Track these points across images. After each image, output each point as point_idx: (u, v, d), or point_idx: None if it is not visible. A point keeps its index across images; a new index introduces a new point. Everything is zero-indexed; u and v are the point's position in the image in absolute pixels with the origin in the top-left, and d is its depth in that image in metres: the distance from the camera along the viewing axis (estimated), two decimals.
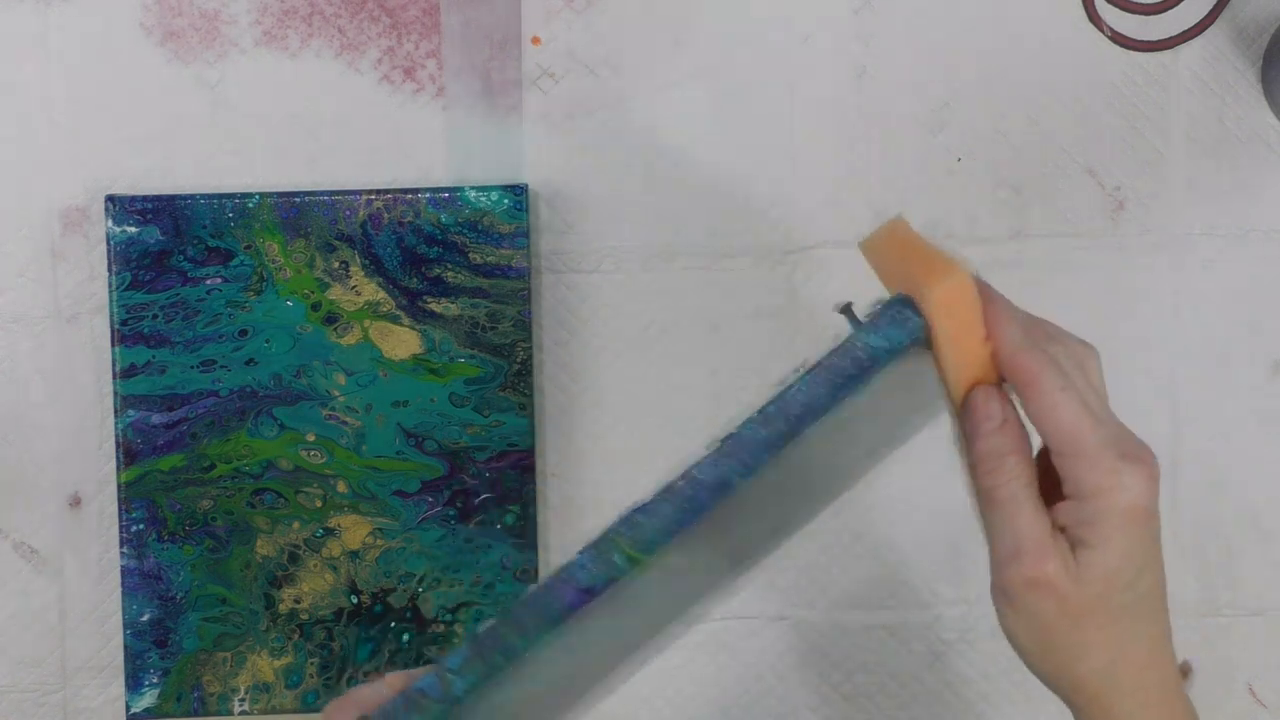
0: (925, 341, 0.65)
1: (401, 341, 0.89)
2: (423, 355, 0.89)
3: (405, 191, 0.88)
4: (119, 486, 0.88)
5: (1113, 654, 0.65)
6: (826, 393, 0.65)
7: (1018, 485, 0.64)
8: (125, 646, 0.89)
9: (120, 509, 0.88)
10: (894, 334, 0.65)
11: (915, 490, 0.90)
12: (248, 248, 0.88)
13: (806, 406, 0.65)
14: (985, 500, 0.65)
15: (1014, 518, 0.64)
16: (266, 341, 0.88)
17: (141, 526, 0.88)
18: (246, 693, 0.89)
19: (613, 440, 0.91)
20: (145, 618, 0.89)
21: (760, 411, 0.65)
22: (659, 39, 0.90)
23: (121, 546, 0.88)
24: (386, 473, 0.89)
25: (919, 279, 0.64)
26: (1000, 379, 0.65)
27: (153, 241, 0.88)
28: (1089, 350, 0.66)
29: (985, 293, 0.65)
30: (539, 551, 0.89)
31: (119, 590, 0.90)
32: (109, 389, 0.89)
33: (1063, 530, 0.64)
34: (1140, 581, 0.64)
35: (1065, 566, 0.63)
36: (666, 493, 0.65)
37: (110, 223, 0.88)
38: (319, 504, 0.89)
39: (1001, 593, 0.66)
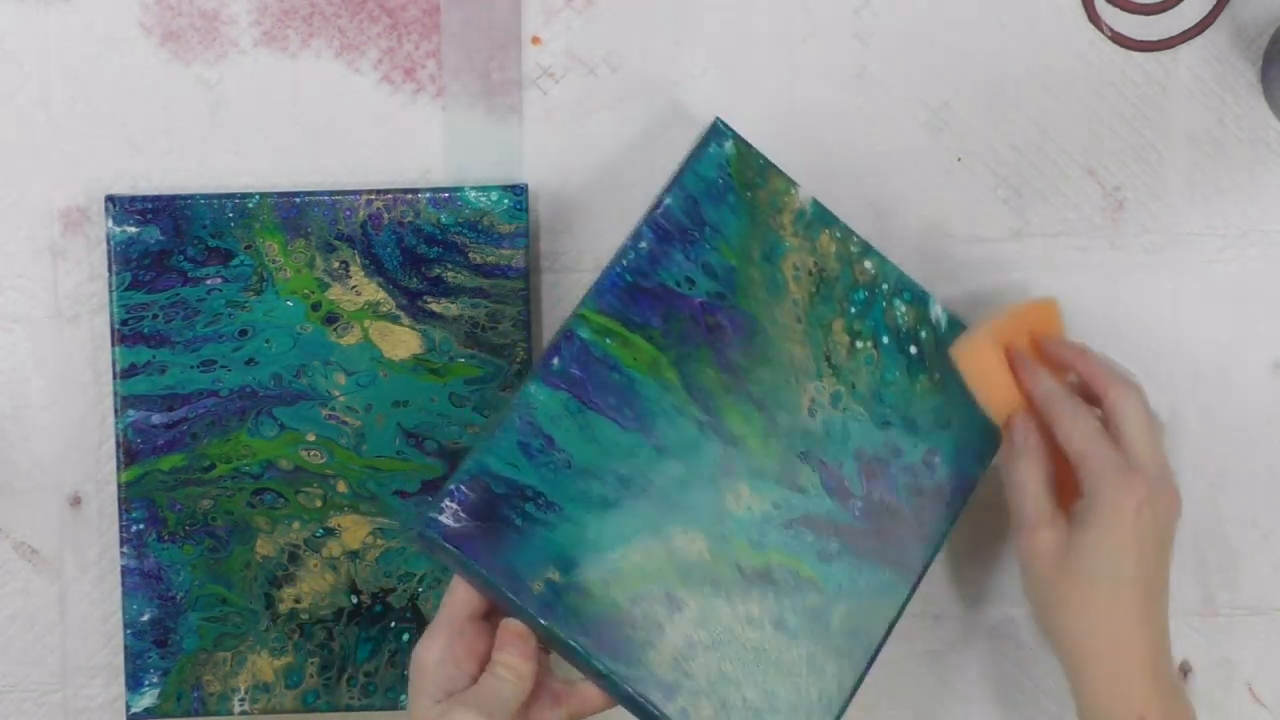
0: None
1: (401, 341, 0.89)
2: (423, 355, 0.89)
3: (405, 191, 0.88)
4: (119, 486, 0.88)
5: (1093, 618, 0.80)
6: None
7: (1030, 476, 0.82)
8: (125, 646, 0.89)
9: (120, 509, 0.88)
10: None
11: None
12: (248, 248, 0.88)
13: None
14: (1008, 487, 0.83)
15: (1023, 500, 0.82)
16: (266, 341, 0.88)
17: (141, 526, 0.88)
18: (246, 693, 0.89)
19: None
20: (145, 618, 0.89)
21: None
22: (659, 39, 0.90)
23: (121, 546, 0.88)
24: (386, 473, 0.89)
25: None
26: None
27: (153, 241, 0.88)
28: (1131, 389, 0.83)
29: (1017, 356, 0.84)
30: None
31: (119, 590, 0.90)
32: (109, 389, 0.89)
33: (1070, 513, 0.82)
34: (1119, 562, 0.80)
35: (1056, 537, 0.81)
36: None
37: (110, 223, 0.88)
38: (319, 504, 0.89)
39: (1018, 556, 0.83)
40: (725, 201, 0.84)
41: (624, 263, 0.82)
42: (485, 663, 0.78)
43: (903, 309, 0.86)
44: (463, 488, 0.78)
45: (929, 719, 0.93)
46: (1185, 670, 0.92)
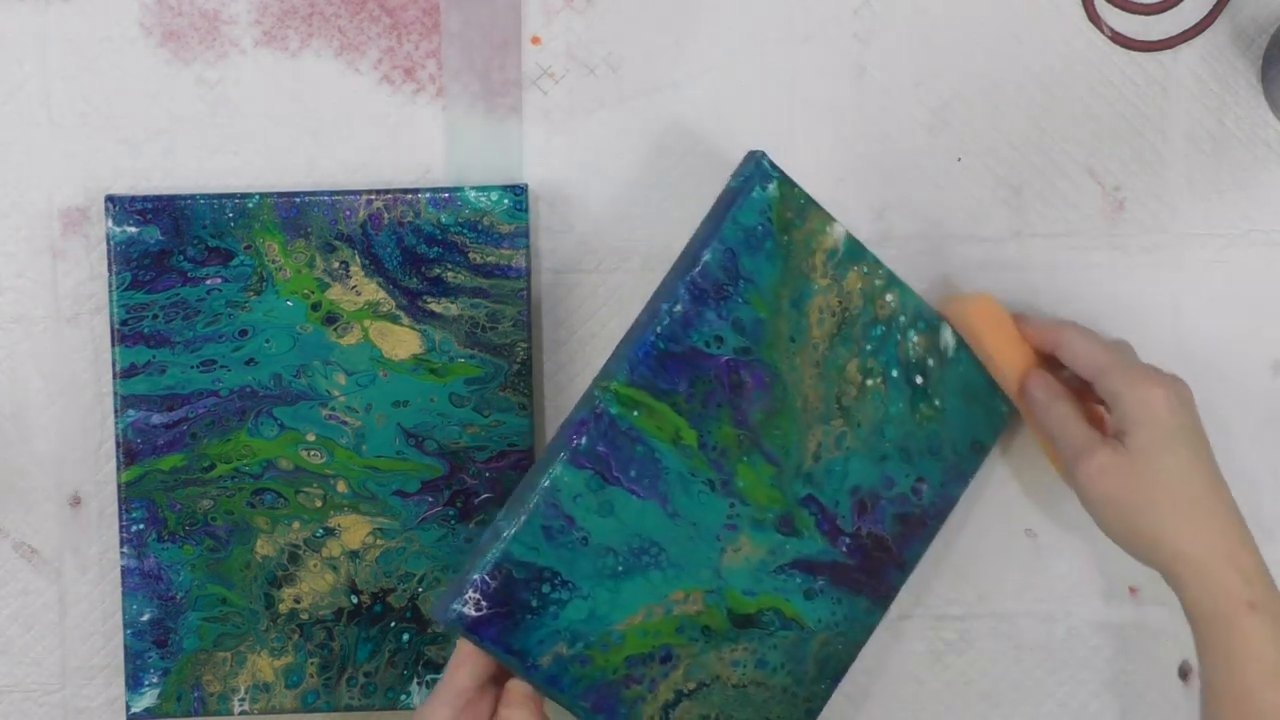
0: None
1: (401, 341, 0.89)
2: (423, 355, 0.89)
3: (405, 191, 0.88)
4: (119, 486, 0.88)
5: (1174, 517, 0.81)
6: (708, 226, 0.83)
7: (1063, 414, 0.85)
8: (125, 646, 0.89)
9: (120, 509, 0.88)
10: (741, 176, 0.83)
11: None
12: (248, 248, 0.88)
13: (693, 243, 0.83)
14: (1050, 434, 0.85)
15: (1066, 435, 0.84)
16: (266, 341, 0.88)
17: (141, 526, 0.88)
18: (246, 693, 0.89)
19: None
20: (145, 618, 0.89)
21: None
22: (659, 39, 0.90)
23: (121, 546, 0.88)
24: (386, 473, 0.89)
25: (954, 311, 0.88)
26: (1043, 366, 0.87)
27: (153, 241, 0.88)
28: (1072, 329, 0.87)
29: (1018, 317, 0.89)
30: None
31: (119, 590, 0.90)
32: (109, 389, 0.89)
33: (1110, 436, 0.84)
34: (1176, 454, 0.82)
35: (1113, 454, 0.82)
36: (621, 344, 0.83)
37: (110, 223, 0.88)
38: (319, 504, 0.89)
39: (1081, 490, 0.83)
40: (762, 250, 0.83)
41: (658, 329, 0.81)
42: None
43: (915, 339, 0.86)
44: (486, 578, 0.79)
45: (929, 719, 0.93)
46: (1185, 671, 0.92)
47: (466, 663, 0.80)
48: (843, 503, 0.85)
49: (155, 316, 0.88)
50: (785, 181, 0.83)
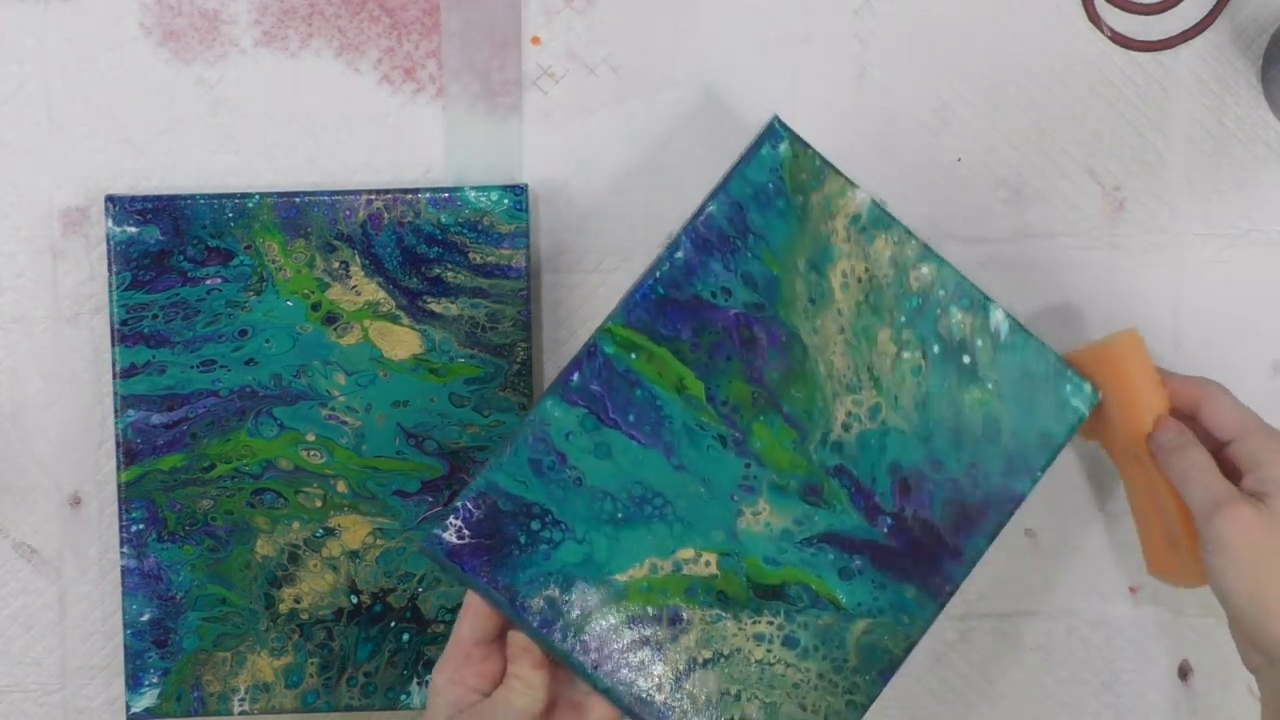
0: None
1: (401, 341, 0.89)
2: (423, 355, 0.89)
3: (405, 191, 0.88)
4: (119, 486, 0.88)
5: None
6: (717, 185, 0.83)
7: (1201, 462, 0.82)
8: (125, 646, 0.89)
9: (120, 509, 0.88)
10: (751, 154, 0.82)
11: None
12: (248, 248, 0.88)
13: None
14: (1180, 484, 0.82)
15: (1204, 484, 0.81)
16: (266, 341, 0.88)
17: (141, 526, 0.88)
18: (246, 693, 0.89)
19: None
20: (145, 618, 0.89)
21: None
22: (659, 39, 0.90)
23: (121, 546, 0.88)
24: (386, 473, 0.89)
25: (1095, 354, 0.86)
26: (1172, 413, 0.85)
27: (153, 241, 0.88)
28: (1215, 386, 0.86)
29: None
30: None
31: (119, 590, 0.90)
32: (109, 389, 0.89)
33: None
34: None
35: (1256, 510, 0.79)
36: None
37: (110, 223, 0.88)
38: (319, 504, 0.89)
39: (1213, 544, 0.80)
40: (774, 207, 0.82)
41: (657, 274, 0.81)
42: (497, 683, 0.80)
43: (959, 316, 0.83)
44: (469, 505, 0.79)
45: (929, 719, 0.93)
46: (1185, 671, 0.92)
47: (467, 616, 0.80)
48: (880, 479, 0.82)
49: (155, 316, 0.88)
50: (798, 142, 0.82)
